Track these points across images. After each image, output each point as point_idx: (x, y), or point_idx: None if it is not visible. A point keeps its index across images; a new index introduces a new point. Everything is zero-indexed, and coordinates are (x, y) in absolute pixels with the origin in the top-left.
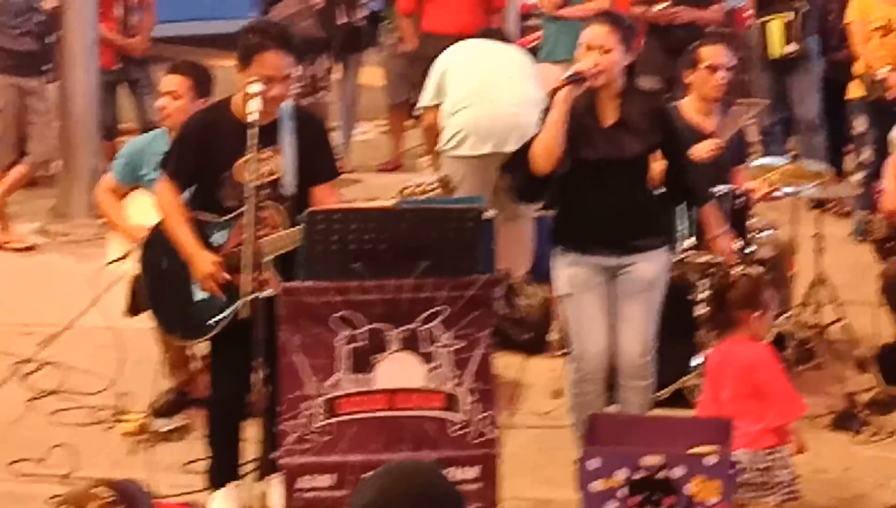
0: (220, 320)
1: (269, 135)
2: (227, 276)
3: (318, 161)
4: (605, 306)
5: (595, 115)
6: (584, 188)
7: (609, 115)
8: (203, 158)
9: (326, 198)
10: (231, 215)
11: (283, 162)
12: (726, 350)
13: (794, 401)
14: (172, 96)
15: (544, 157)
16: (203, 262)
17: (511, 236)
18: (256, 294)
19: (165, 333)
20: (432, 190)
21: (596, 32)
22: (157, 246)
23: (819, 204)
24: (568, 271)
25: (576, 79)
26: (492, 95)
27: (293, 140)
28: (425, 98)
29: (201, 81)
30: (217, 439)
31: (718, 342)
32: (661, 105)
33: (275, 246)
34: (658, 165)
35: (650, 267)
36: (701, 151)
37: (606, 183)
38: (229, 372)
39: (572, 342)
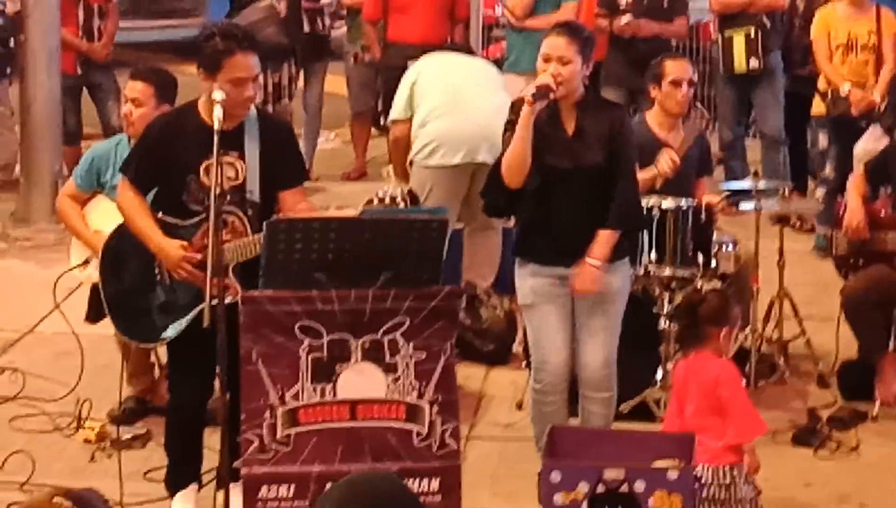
0: (180, 325)
1: (233, 140)
2: (198, 256)
3: (285, 166)
4: (566, 318)
5: (558, 124)
6: (547, 197)
7: (570, 124)
8: (166, 161)
9: (294, 203)
10: (195, 220)
11: (247, 167)
12: (691, 365)
13: (753, 420)
14: (135, 103)
15: (514, 171)
16: (171, 248)
17: (479, 247)
18: (216, 301)
19: (125, 337)
20: (398, 203)
21: (554, 44)
22: (117, 250)
23: (781, 220)
24: (529, 281)
25: (541, 95)
26: (462, 105)
27: (258, 145)
28: (396, 111)
29: (164, 87)
30: (175, 445)
31: (684, 356)
32: (619, 116)
33: (237, 253)
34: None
35: (612, 279)
36: (662, 166)
37: (568, 192)
38: (188, 378)
39: (533, 352)
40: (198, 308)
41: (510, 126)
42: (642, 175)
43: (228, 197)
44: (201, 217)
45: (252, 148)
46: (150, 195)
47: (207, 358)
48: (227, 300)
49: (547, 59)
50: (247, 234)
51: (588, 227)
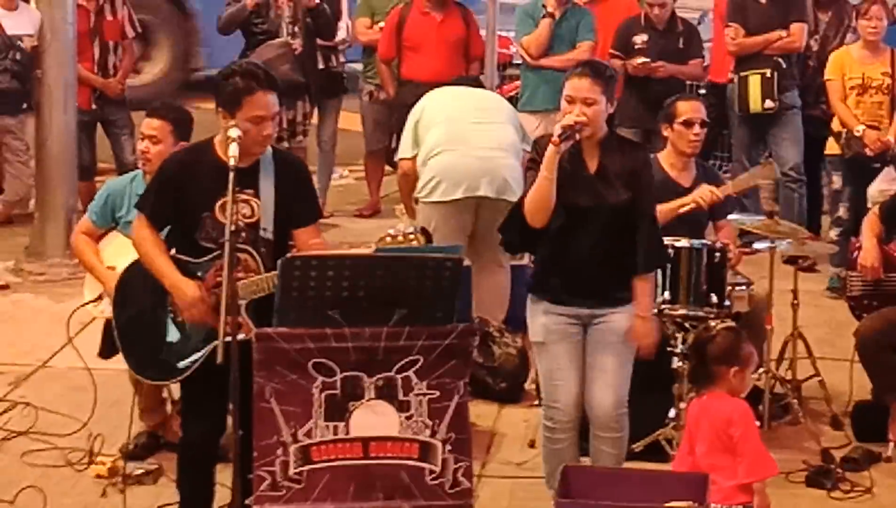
0: (192, 362)
1: (249, 177)
2: (211, 302)
3: (299, 204)
4: (578, 357)
5: (580, 162)
6: (566, 236)
7: (592, 162)
8: (182, 198)
9: (309, 241)
10: (208, 257)
11: (261, 205)
12: (704, 404)
13: (764, 460)
14: (152, 141)
15: (538, 211)
16: (187, 287)
17: (488, 284)
18: (230, 338)
19: (136, 374)
20: (412, 239)
21: (578, 85)
22: (130, 286)
23: (791, 260)
24: (542, 319)
25: (567, 135)
26: (463, 139)
27: (273, 183)
28: (402, 149)
29: (181, 124)
30: (187, 481)
31: (697, 395)
32: (642, 155)
33: (250, 290)
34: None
35: (625, 319)
36: (704, 193)
37: (588, 231)
38: (201, 415)
39: (544, 390)
40: (211, 345)
41: (533, 164)
42: (667, 206)
43: (243, 235)
44: (214, 255)
45: (267, 186)
46: (164, 232)
47: (220, 395)
48: (240, 338)
49: (571, 101)
50: (259, 271)
51: (605, 267)
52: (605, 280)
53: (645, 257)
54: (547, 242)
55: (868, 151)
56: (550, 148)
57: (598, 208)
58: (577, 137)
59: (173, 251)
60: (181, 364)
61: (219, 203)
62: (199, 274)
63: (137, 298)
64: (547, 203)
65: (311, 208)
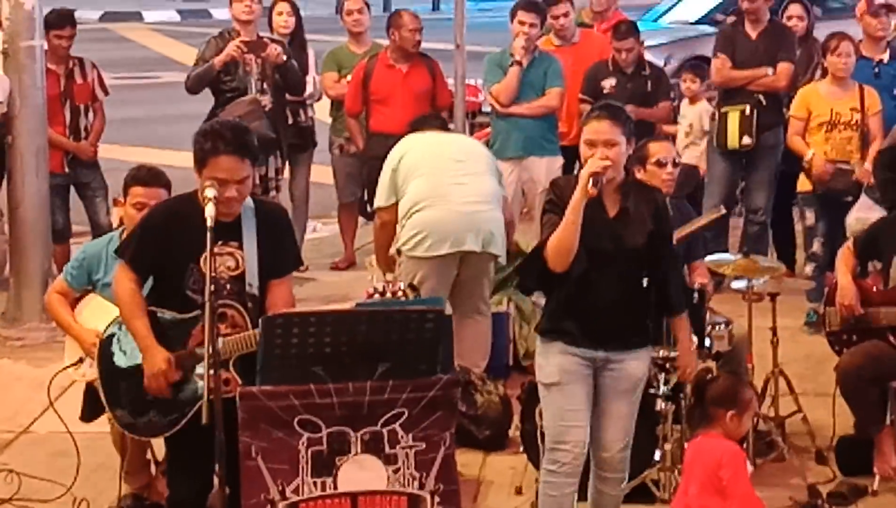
0: (178, 418)
1: (232, 231)
2: (177, 376)
3: (281, 254)
4: (589, 399)
5: (600, 206)
6: (585, 279)
7: (613, 206)
8: (167, 249)
9: (279, 295)
10: (195, 313)
11: (245, 258)
12: (698, 445)
13: (752, 505)
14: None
15: (562, 256)
16: (155, 358)
17: (469, 333)
18: (213, 397)
19: (124, 430)
20: (401, 296)
21: (598, 128)
22: (114, 341)
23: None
24: (558, 358)
25: (596, 181)
26: (445, 194)
27: (255, 235)
28: (380, 198)
29: (169, 188)
30: None
31: (692, 436)
32: (660, 198)
33: (237, 346)
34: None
35: (639, 365)
36: None
37: (608, 274)
38: (187, 473)
39: (551, 433)
40: (198, 405)
41: (551, 206)
42: None
43: (228, 288)
44: (197, 313)
45: (250, 239)
46: (147, 287)
47: (207, 453)
48: (228, 395)
49: (591, 145)
50: (247, 327)
51: (622, 311)
52: (622, 324)
53: (677, 296)
54: (564, 285)
55: (813, 178)
56: (578, 193)
57: (617, 251)
58: (604, 181)
59: (159, 311)
60: (169, 422)
61: (203, 255)
62: (186, 329)
63: (123, 352)
64: (571, 248)
65: (291, 257)
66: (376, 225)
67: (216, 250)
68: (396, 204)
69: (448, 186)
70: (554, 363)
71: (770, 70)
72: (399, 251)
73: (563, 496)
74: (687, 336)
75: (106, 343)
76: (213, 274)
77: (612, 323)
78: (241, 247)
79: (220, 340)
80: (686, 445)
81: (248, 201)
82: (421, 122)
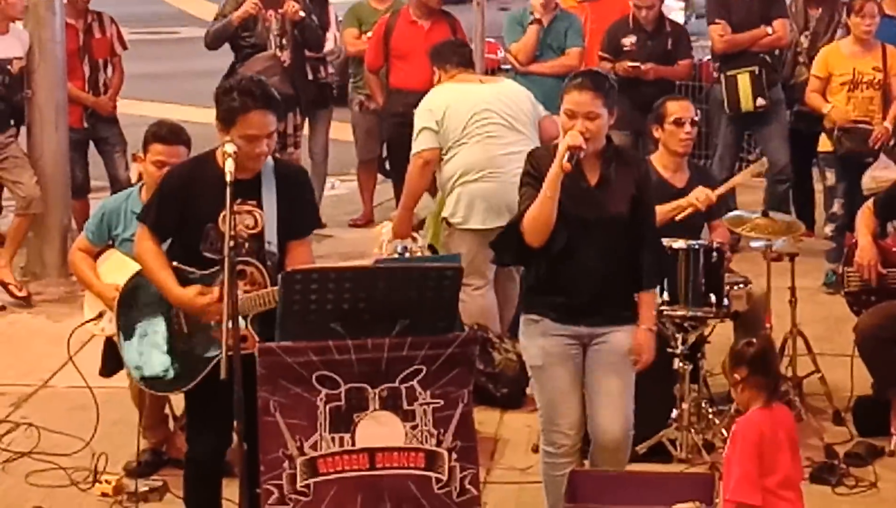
0: (198, 372)
1: (251, 189)
2: (216, 294)
3: (300, 214)
4: (578, 378)
5: (580, 175)
6: (567, 250)
7: (593, 175)
8: (185, 210)
9: (299, 255)
10: (214, 269)
11: (264, 216)
12: (780, 417)
13: (738, 484)
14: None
15: (539, 231)
16: (189, 296)
17: (504, 298)
18: (231, 352)
19: (147, 389)
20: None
21: (579, 100)
22: (131, 299)
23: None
24: (540, 341)
25: (573, 156)
26: (502, 165)
27: (275, 194)
28: (422, 142)
29: (189, 144)
30: (194, 497)
31: (762, 407)
32: (643, 167)
33: (256, 304)
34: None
35: (626, 337)
36: (700, 195)
37: (589, 244)
38: (206, 430)
39: (544, 416)
40: (215, 359)
41: (528, 178)
42: (663, 209)
43: (247, 246)
44: (219, 267)
45: (269, 198)
46: (166, 245)
47: (225, 409)
48: (246, 352)
49: (572, 116)
50: (266, 285)
51: (606, 283)
52: (606, 297)
53: (649, 271)
54: (544, 259)
55: (827, 123)
56: (555, 167)
57: (599, 220)
58: (582, 154)
59: (177, 264)
60: (187, 377)
61: (222, 214)
62: (205, 285)
63: (142, 309)
64: (548, 222)
65: (310, 218)
66: (416, 167)
67: (235, 208)
68: (439, 150)
69: (501, 157)
70: (536, 345)
71: (769, 29)
72: (447, 222)
73: (564, 476)
74: (649, 316)
75: (126, 297)
76: (232, 232)
77: (595, 296)
78: (259, 205)
79: (239, 296)
80: (748, 427)
81: (269, 160)
82: (443, 56)
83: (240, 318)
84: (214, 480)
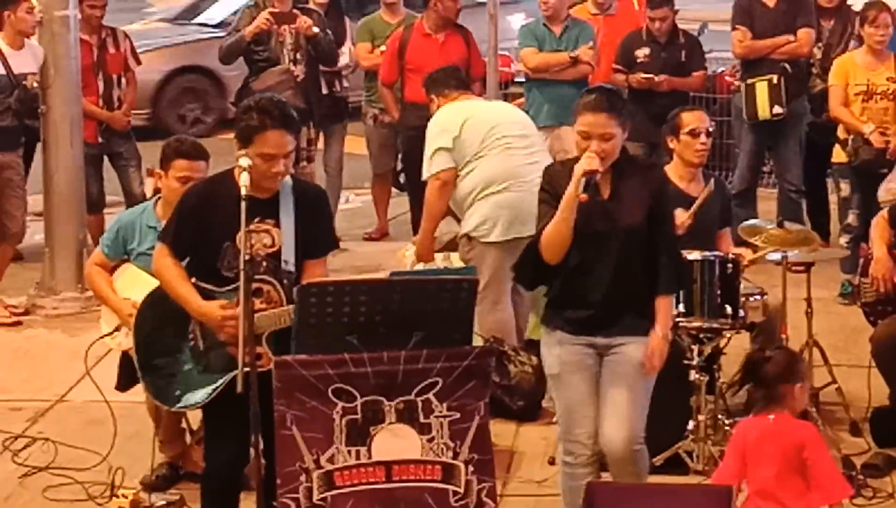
0: (213, 390)
1: (269, 208)
2: (238, 311)
3: (317, 235)
4: (594, 389)
5: (594, 188)
6: (583, 263)
7: (605, 187)
8: (203, 228)
9: (314, 275)
10: (231, 287)
11: (282, 235)
12: (770, 427)
13: (839, 483)
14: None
15: (554, 250)
16: (212, 310)
17: (519, 307)
18: (248, 369)
19: (157, 402)
20: None
21: (595, 121)
22: (150, 315)
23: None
24: (557, 350)
25: (590, 182)
26: (525, 175)
27: (292, 213)
28: (438, 163)
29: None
30: None
31: (755, 415)
32: (658, 176)
33: (270, 322)
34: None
35: (639, 349)
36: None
37: (603, 257)
38: (224, 444)
39: (561, 425)
40: (231, 374)
41: (544, 195)
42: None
43: (264, 265)
44: (237, 284)
45: (287, 217)
46: (184, 263)
47: (242, 424)
48: (262, 370)
49: (587, 137)
50: (282, 303)
51: (621, 294)
52: (622, 308)
53: (668, 279)
54: (561, 273)
55: (874, 144)
56: (571, 189)
57: (612, 232)
58: (598, 176)
59: (195, 280)
60: (200, 393)
61: (240, 233)
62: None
63: (159, 327)
64: (564, 242)
65: (327, 239)
66: (434, 189)
67: (253, 226)
68: (455, 169)
69: (523, 166)
70: (554, 354)
71: (791, 37)
72: (468, 237)
73: (583, 486)
74: (665, 322)
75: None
76: (248, 251)
77: (610, 307)
78: (277, 225)
79: (255, 315)
80: (738, 425)
81: (287, 180)
82: (441, 82)
83: (256, 336)
84: (232, 494)
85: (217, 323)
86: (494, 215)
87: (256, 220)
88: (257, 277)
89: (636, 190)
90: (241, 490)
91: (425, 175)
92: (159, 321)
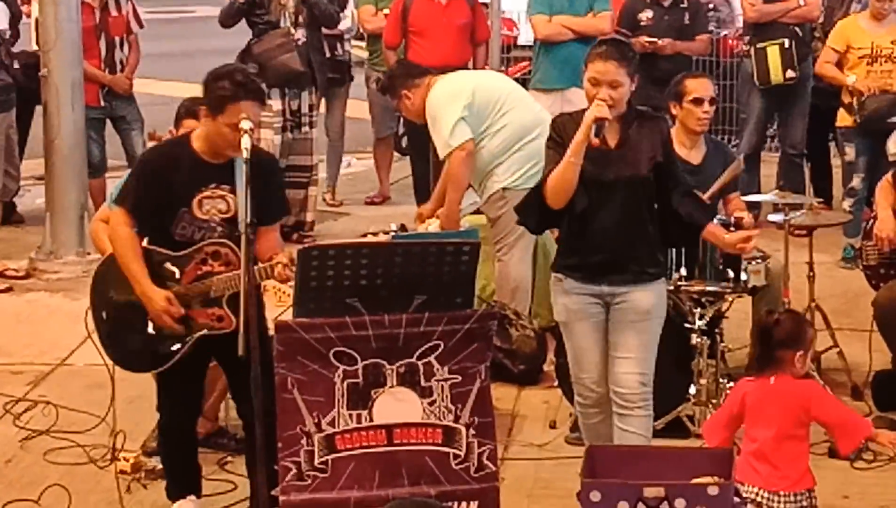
0: (175, 352)
1: (224, 174)
2: (182, 311)
3: (267, 202)
4: (599, 337)
5: (601, 138)
6: (589, 212)
7: (613, 137)
8: (162, 194)
9: (267, 242)
10: (186, 251)
11: (237, 201)
12: (772, 388)
13: (859, 422)
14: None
15: (560, 194)
16: (157, 298)
17: None
18: (214, 331)
19: (121, 367)
20: None
21: (604, 69)
22: (106, 280)
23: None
24: (564, 299)
25: (600, 128)
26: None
27: (246, 180)
28: (459, 135)
29: None
30: (170, 460)
31: (756, 377)
32: (664, 126)
33: (229, 284)
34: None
35: (646, 296)
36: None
37: (611, 206)
38: (177, 401)
39: (571, 368)
40: (195, 336)
41: (552, 143)
42: None
43: (220, 229)
44: (193, 249)
45: (241, 183)
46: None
47: (194, 381)
48: (223, 331)
49: (596, 84)
50: (239, 266)
51: (627, 243)
52: (628, 257)
53: (697, 213)
54: (568, 220)
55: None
56: (580, 135)
57: (619, 181)
58: (607, 123)
59: (149, 244)
60: (164, 356)
61: (196, 198)
62: (178, 267)
63: (116, 291)
64: (570, 186)
65: (278, 205)
66: (458, 160)
67: (208, 192)
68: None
69: (545, 112)
70: (561, 302)
71: (801, 0)
72: (503, 192)
73: (596, 423)
74: (716, 232)
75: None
76: (205, 215)
77: (616, 256)
78: (232, 191)
79: (214, 278)
80: (736, 386)
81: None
82: (403, 76)
83: (215, 298)
84: (188, 445)
85: (156, 312)
86: (533, 163)
87: (212, 186)
88: (214, 240)
89: (643, 140)
90: (196, 442)
91: (447, 149)
92: (118, 289)
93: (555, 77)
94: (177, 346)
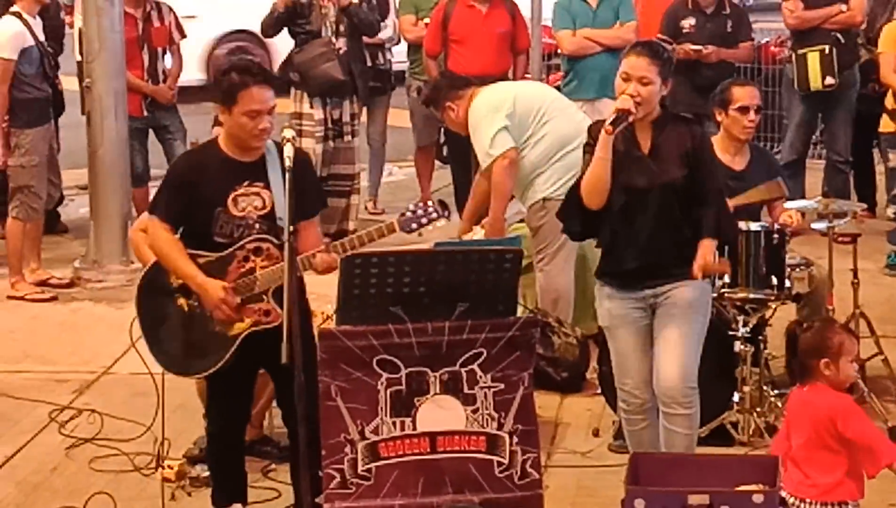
0: (223, 357)
1: (256, 171)
2: (238, 300)
3: (304, 195)
4: (642, 341)
5: (633, 143)
6: (624, 219)
7: (645, 142)
8: (194, 196)
9: (308, 237)
10: (226, 253)
11: (273, 196)
12: (805, 397)
13: (885, 447)
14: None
15: (594, 193)
16: (213, 289)
17: None
18: (261, 327)
19: (169, 371)
20: None
21: (636, 63)
22: (151, 288)
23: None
24: (606, 304)
25: (620, 119)
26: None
27: (280, 173)
28: (500, 144)
29: None
30: (216, 468)
31: (799, 386)
32: (697, 131)
33: (274, 278)
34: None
35: (688, 290)
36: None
37: (645, 212)
38: (226, 405)
39: (615, 372)
40: (239, 340)
41: (589, 148)
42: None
43: (258, 226)
44: (233, 249)
45: (276, 177)
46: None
47: (243, 388)
48: (271, 326)
49: (626, 79)
50: (282, 259)
51: (663, 247)
52: (665, 260)
53: (708, 224)
54: (606, 226)
55: None
56: (603, 133)
57: (652, 188)
58: (630, 119)
59: (189, 250)
60: (212, 362)
61: (231, 197)
62: (220, 269)
63: (160, 297)
64: (602, 184)
65: (314, 197)
66: (501, 169)
67: (242, 190)
68: (516, 147)
69: (586, 122)
70: (604, 307)
71: (843, 6)
72: (543, 202)
73: (639, 430)
74: (702, 253)
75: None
76: (241, 213)
77: (653, 260)
78: (267, 187)
79: (258, 273)
80: (789, 394)
81: (270, 142)
82: (447, 87)
83: (261, 293)
84: (235, 453)
85: (214, 302)
86: (573, 173)
87: (245, 183)
88: (255, 236)
89: (676, 144)
90: (244, 450)
91: (488, 159)
92: (162, 294)
93: (584, 88)
94: (225, 351)
